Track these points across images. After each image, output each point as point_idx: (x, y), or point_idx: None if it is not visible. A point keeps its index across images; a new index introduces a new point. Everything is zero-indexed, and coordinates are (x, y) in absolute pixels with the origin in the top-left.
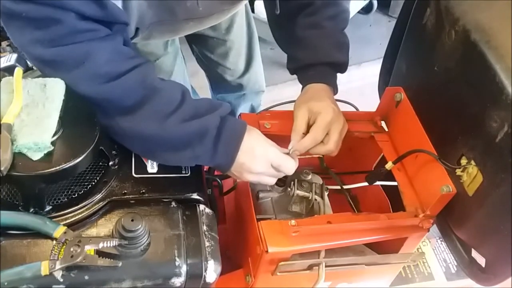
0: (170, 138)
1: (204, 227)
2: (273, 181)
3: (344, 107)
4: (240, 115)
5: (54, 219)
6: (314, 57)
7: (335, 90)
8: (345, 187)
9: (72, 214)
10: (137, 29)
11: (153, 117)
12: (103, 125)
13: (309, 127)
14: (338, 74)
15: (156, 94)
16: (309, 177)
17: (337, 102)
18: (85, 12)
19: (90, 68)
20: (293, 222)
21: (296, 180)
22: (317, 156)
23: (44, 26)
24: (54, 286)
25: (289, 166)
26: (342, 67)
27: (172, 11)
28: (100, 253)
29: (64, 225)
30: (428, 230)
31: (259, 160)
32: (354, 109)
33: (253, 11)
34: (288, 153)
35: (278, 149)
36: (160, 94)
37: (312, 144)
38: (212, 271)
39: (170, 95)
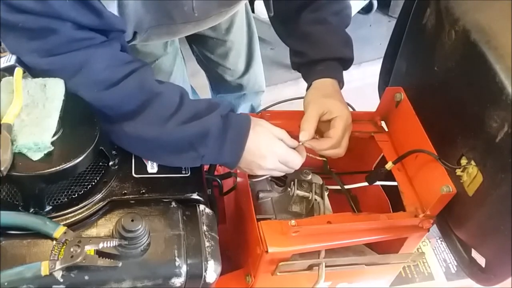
0: (171, 141)
1: (204, 227)
2: (282, 173)
3: None
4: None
5: (54, 219)
6: (323, 52)
7: (342, 85)
8: (345, 187)
9: (72, 214)
10: (135, 33)
11: (154, 121)
12: (105, 131)
13: (319, 122)
14: None
15: (155, 98)
16: (309, 177)
17: None
18: (82, 21)
19: (87, 75)
20: (293, 222)
21: (296, 180)
22: (321, 159)
23: (40, 36)
24: (54, 286)
25: (296, 162)
26: (349, 63)
27: (169, 15)
28: (100, 253)
29: (64, 225)
30: (428, 230)
31: (268, 157)
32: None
33: (253, 11)
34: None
35: (286, 141)
36: (159, 98)
37: (331, 148)
38: (212, 271)
39: (169, 98)
